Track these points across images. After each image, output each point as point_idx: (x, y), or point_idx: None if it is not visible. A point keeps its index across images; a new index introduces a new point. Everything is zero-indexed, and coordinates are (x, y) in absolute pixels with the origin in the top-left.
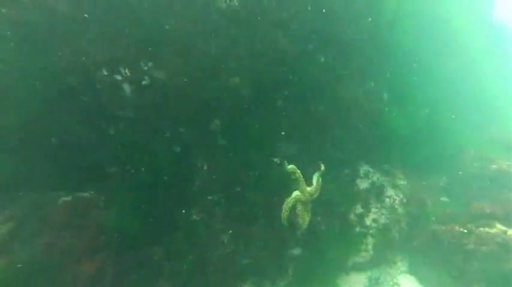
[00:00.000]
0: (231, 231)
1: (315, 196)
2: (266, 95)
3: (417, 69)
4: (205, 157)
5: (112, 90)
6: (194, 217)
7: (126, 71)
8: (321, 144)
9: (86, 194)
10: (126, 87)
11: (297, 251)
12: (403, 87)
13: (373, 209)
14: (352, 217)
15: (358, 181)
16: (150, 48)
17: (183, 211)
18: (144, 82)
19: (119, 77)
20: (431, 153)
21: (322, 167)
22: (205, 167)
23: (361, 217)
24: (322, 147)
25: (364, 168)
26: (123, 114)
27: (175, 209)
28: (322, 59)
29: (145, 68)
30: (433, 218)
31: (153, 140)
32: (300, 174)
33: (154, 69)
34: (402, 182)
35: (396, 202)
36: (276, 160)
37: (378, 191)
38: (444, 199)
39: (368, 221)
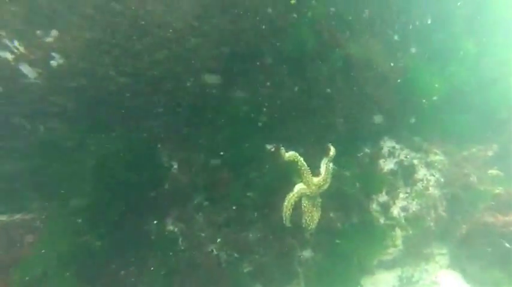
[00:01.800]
0: (219, 239)
1: (324, 187)
2: (249, 58)
3: (459, 13)
4: (173, 153)
5: (8, 77)
6: (170, 227)
7: (16, 44)
8: (327, 120)
9: (17, 217)
10: (27, 70)
11: (307, 253)
12: (438, 38)
13: (401, 195)
14: (374, 207)
15: (381, 162)
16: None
17: (155, 222)
18: (53, 62)
19: (8, 55)
20: (477, 119)
21: (332, 151)
22: (175, 166)
23: (385, 207)
24: (330, 124)
25: (388, 145)
26: (44, 108)
27: (143, 222)
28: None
29: (49, 39)
30: (482, 201)
31: (100, 137)
32: (303, 162)
33: (62, 41)
34: (438, 158)
35: (431, 183)
36: (270, 147)
37: (406, 172)
38: (495, 172)
39: (395, 211)
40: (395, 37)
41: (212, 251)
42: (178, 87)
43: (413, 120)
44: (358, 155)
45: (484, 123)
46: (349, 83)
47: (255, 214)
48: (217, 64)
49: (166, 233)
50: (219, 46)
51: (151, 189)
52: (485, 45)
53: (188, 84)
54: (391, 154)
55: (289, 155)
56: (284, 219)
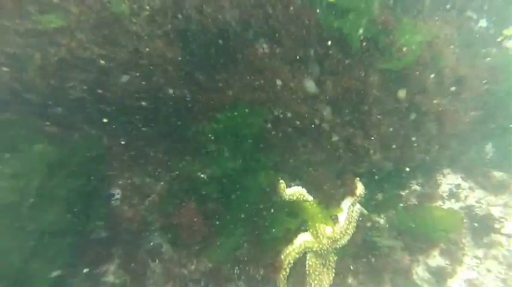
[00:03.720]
0: None
1: (343, 242)
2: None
3: None
4: (116, 175)
5: None
6: (110, 278)
7: None
8: (356, 141)
9: None
10: None
11: None
12: None
13: (468, 261)
14: (421, 273)
15: (435, 206)
16: None
17: (84, 271)
18: None
19: None
20: None
21: (360, 188)
22: (117, 196)
23: (440, 275)
24: (360, 147)
25: (449, 180)
26: None
27: (66, 270)
28: None
29: None
30: None
31: None
32: (313, 203)
33: None
34: None
35: None
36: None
37: (479, 226)
38: None
39: (455, 284)
40: (482, 23)
41: None
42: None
43: (496, 145)
44: (402, 193)
45: None
46: (393, 88)
47: (237, 269)
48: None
49: None
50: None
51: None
52: None
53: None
54: (454, 195)
55: (292, 191)
56: (278, 282)
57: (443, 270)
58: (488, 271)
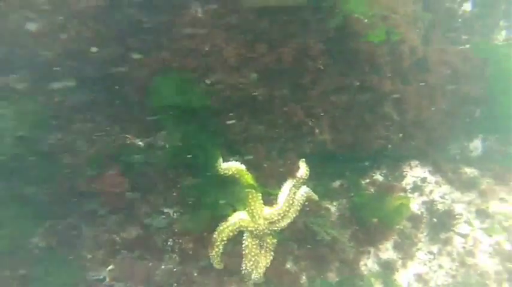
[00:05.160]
0: (112, 266)
1: (282, 225)
2: None
3: None
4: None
5: None
6: (36, 240)
7: None
8: (298, 119)
9: None
10: None
11: None
12: None
13: (420, 256)
14: (369, 264)
15: (391, 199)
16: None
17: None
18: None
19: None
20: None
21: (303, 170)
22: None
23: (389, 268)
24: (303, 126)
25: (415, 173)
26: None
27: None
28: None
29: None
30: None
31: None
32: (250, 180)
33: None
34: (508, 210)
35: (481, 246)
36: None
37: (438, 222)
38: None
39: (403, 278)
40: (466, 6)
41: (104, 279)
42: None
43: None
44: (362, 182)
45: None
46: (341, 62)
47: (170, 241)
48: None
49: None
50: None
51: None
52: None
53: None
54: (418, 188)
55: (228, 166)
56: (211, 257)
57: (393, 263)
58: (440, 266)
